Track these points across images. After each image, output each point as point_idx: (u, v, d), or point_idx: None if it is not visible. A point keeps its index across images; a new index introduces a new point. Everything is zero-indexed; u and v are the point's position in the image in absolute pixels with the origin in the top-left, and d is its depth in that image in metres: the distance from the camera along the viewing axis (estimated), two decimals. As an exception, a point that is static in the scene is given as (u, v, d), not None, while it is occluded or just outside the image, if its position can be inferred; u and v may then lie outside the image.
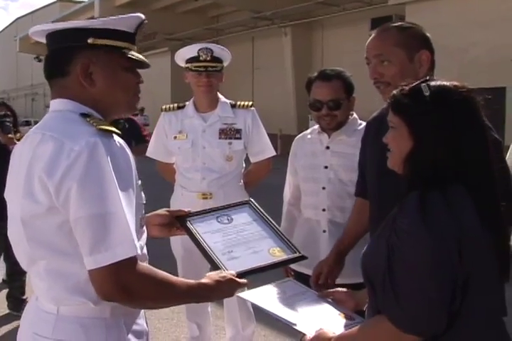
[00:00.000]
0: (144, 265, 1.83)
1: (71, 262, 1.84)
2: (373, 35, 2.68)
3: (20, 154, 1.95)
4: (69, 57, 1.98)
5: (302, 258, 2.38)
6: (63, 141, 1.79)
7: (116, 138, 1.88)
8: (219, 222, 2.48)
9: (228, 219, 2.49)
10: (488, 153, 1.87)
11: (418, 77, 2.34)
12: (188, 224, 2.42)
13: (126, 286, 1.78)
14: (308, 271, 3.53)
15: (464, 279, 1.73)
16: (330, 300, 2.37)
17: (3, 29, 59.71)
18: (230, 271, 2.17)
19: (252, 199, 2.61)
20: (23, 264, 1.99)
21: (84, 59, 1.97)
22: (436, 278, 1.72)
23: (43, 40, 2.06)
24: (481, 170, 1.85)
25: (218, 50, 4.27)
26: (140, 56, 2.08)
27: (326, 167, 3.52)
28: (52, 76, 2.03)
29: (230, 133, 4.30)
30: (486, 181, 1.85)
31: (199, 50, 4.19)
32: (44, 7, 47.53)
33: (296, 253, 2.38)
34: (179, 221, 2.44)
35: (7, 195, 2.01)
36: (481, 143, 1.87)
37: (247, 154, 4.47)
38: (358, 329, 1.94)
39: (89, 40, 1.97)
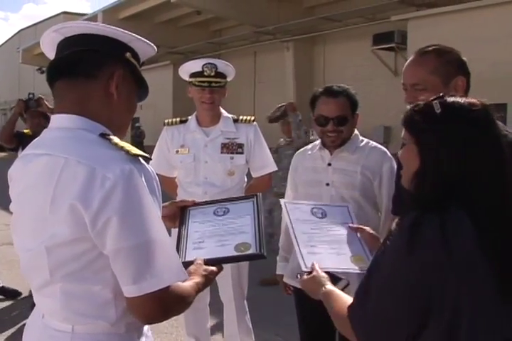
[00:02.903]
0: (175, 284, 1.82)
1: (89, 286, 1.80)
2: (411, 58, 2.71)
3: (25, 178, 1.89)
4: (102, 61, 1.92)
5: (260, 256, 2.29)
6: (94, 167, 1.72)
7: (143, 161, 1.82)
8: (215, 213, 2.49)
9: (224, 212, 2.50)
10: (499, 174, 1.79)
11: None
12: (186, 215, 2.47)
13: (168, 309, 1.80)
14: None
15: (452, 307, 1.70)
16: (362, 239, 2.46)
17: (6, 40, 59.85)
18: (200, 258, 2.16)
19: (259, 194, 2.58)
20: (35, 285, 1.92)
21: (118, 69, 1.92)
22: (398, 303, 1.73)
23: (62, 36, 1.97)
24: (491, 193, 1.78)
25: (222, 65, 4.28)
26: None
27: (327, 184, 3.50)
28: (72, 75, 1.92)
29: (232, 147, 4.31)
30: (496, 206, 1.78)
31: (203, 65, 4.20)
32: (48, 19, 47.61)
33: (257, 251, 2.29)
34: (181, 211, 2.49)
35: (17, 219, 1.94)
36: (490, 165, 1.79)
37: (248, 169, 4.48)
38: (339, 303, 1.97)
39: (127, 55, 1.95)
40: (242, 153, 4.32)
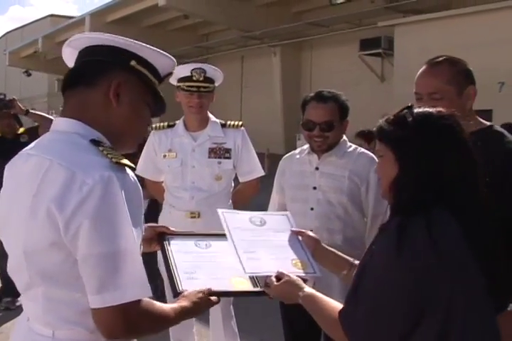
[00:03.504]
0: (145, 300, 1.79)
1: (71, 292, 1.79)
2: (423, 69, 2.75)
3: (17, 176, 1.88)
4: (102, 69, 1.92)
5: (260, 293, 2.33)
6: (74, 171, 1.71)
7: (129, 171, 1.81)
8: (196, 245, 2.49)
9: (206, 245, 2.50)
10: (473, 175, 1.89)
11: (465, 111, 2.48)
12: (165, 242, 2.45)
13: (132, 326, 1.76)
14: None
15: (445, 308, 1.73)
16: (304, 245, 2.45)
17: (-7, 43, 59.58)
18: (204, 289, 2.15)
19: None
20: (19, 287, 1.92)
21: (119, 77, 1.92)
22: (391, 304, 1.75)
23: (76, 50, 2.00)
24: (466, 192, 1.86)
25: (211, 70, 4.29)
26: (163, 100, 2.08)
27: (314, 188, 3.52)
28: (75, 84, 1.94)
29: (219, 152, 4.32)
30: (472, 204, 1.87)
31: (192, 70, 4.20)
32: (35, 21, 47.39)
33: (257, 287, 2.33)
34: (159, 237, 2.47)
35: (4, 219, 1.92)
36: (465, 167, 1.88)
37: (236, 173, 4.50)
38: (326, 307, 2.00)
39: (132, 63, 1.95)
40: (229, 157, 4.34)
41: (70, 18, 37.54)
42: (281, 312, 3.80)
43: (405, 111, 1.93)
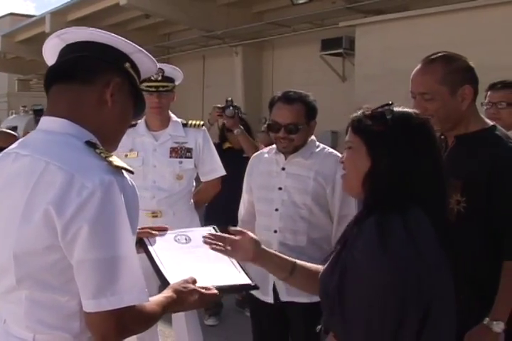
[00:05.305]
0: (140, 304, 1.77)
1: (57, 295, 1.76)
2: (419, 66, 2.72)
3: (3, 176, 1.83)
4: (99, 68, 1.89)
5: (252, 287, 2.37)
6: (73, 173, 1.67)
7: (126, 175, 1.78)
8: (176, 240, 2.47)
9: (186, 240, 2.48)
10: (440, 176, 1.92)
11: (460, 111, 2.48)
12: (147, 243, 2.41)
13: (125, 328, 1.74)
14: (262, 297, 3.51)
15: (424, 307, 1.73)
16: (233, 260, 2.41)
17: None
18: (188, 277, 2.12)
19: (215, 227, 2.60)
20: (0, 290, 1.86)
21: (115, 77, 1.90)
22: (381, 306, 1.73)
23: (63, 43, 1.95)
24: (433, 192, 1.90)
25: (170, 69, 4.30)
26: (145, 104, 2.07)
27: (280, 188, 3.51)
28: (68, 79, 1.88)
29: (180, 152, 4.33)
30: (438, 203, 1.91)
31: (150, 70, 4.20)
32: (-7, 20, 46.73)
33: (247, 280, 2.34)
34: (140, 240, 2.41)
35: None
36: (434, 167, 1.92)
37: (197, 173, 4.51)
38: None
39: (126, 65, 1.94)
40: (190, 157, 4.35)
41: (30, 16, 37.02)
42: (250, 309, 3.81)
43: (385, 107, 1.95)
